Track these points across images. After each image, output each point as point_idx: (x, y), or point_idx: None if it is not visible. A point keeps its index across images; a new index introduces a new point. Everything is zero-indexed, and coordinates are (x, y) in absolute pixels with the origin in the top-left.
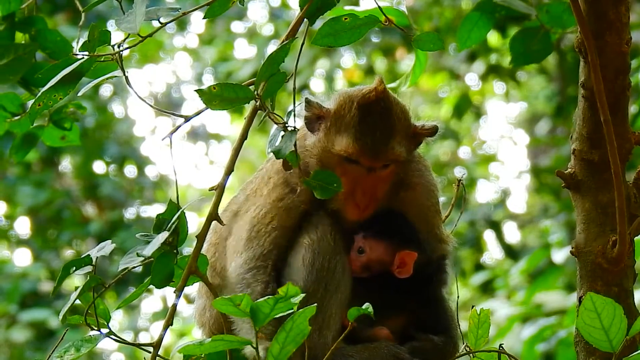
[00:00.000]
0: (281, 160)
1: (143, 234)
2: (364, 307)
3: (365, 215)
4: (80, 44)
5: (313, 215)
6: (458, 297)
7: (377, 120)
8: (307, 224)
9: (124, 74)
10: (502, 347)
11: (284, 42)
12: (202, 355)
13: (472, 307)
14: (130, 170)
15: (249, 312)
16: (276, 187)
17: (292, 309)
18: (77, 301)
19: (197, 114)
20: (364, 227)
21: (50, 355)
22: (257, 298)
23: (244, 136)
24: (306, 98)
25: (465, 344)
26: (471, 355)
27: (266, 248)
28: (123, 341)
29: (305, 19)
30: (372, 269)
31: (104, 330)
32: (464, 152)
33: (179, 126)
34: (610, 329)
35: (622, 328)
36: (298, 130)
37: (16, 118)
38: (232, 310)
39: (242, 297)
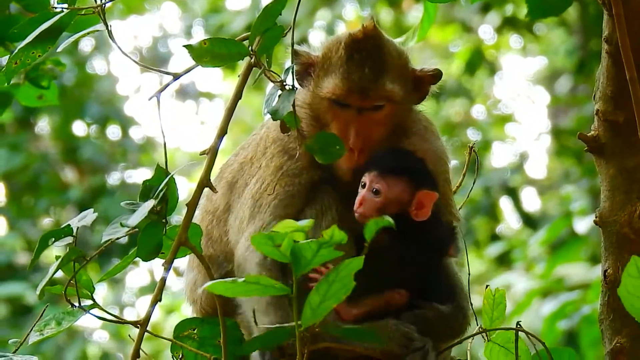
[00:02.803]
0: (277, 127)
1: (128, 202)
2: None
3: (359, 162)
4: None
5: (316, 187)
6: (469, 274)
7: (365, 57)
8: (311, 196)
9: (107, 28)
10: (519, 325)
11: None
12: (195, 332)
13: (487, 286)
14: (114, 132)
15: (290, 256)
16: (274, 157)
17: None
18: (57, 274)
19: (187, 71)
20: (377, 165)
21: (28, 334)
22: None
23: (238, 95)
24: (293, 49)
25: (479, 325)
26: (485, 334)
27: (266, 221)
28: (109, 316)
29: None
30: (387, 211)
31: (88, 302)
32: (478, 111)
33: (167, 84)
34: None
35: None
36: (297, 89)
37: None
38: (270, 250)
39: (284, 237)
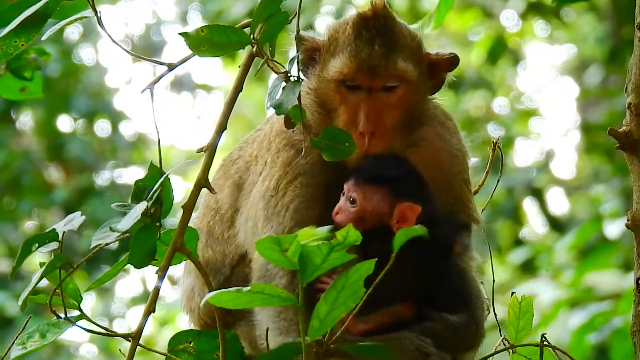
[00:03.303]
0: (281, 120)
1: (119, 203)
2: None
3: (373, 149)
4: None
5: (329, 186)
6: (494, 281)
7: (374, 34)
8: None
9: (96, 14)
10: (545, 339)
11: None
12: (192, 345)
13: (512, 293)
14: (103, 127)
15: (297, 262)
16: (280, 152)
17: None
18: (41, 283)
19: (183, 61)
20: (356, 172)
21: (10, 347)
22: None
23: (238, 88)
24: (297, 35)
25: (502, 336)
26: (509, 349)
27: (286, 225)
28: (97, 328)
29: None
30: (366, 222)
31: (75, 313)
32: (500, 105)
33: (161, 75)
34: None
35: None
36: (303, 80)
37: None
38: (276, 257)
39: (292, 239)
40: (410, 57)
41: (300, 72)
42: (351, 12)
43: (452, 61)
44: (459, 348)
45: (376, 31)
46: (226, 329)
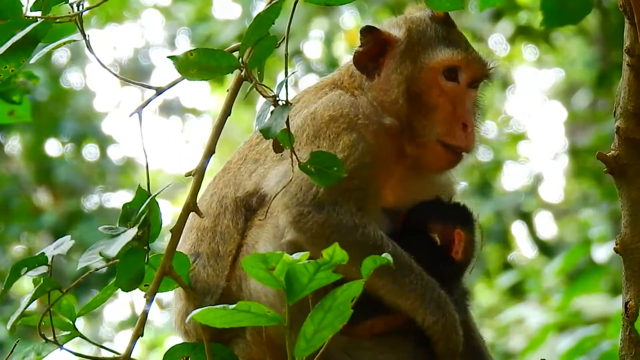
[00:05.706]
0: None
1: (107, 226)
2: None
3: (471, 142)
4: (31, 2)
5: None
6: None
7: (459, 32)
8: None
9: (84, 37)
10: None
11: (274, 1)
12: None
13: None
14: (91, 152)
15: (284, 281)
16: (340, 135)
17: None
18: (29, 307)
19: (171, 85)
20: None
21: None
22: None
23: (226, 111)
24: (364, 27)
25: None
26: None
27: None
28: (87, 350)
29: None
30: None
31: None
32: (488, 129)
33: (149, 99)
34: None
35: None
36: (292, 105)
37: None
38: (262, 275)
39: (278, 258)
40: None
41: (357, 67)
42: (412, 13)
43: None
44: None
45: (457, 29)
46: (224, 345)
